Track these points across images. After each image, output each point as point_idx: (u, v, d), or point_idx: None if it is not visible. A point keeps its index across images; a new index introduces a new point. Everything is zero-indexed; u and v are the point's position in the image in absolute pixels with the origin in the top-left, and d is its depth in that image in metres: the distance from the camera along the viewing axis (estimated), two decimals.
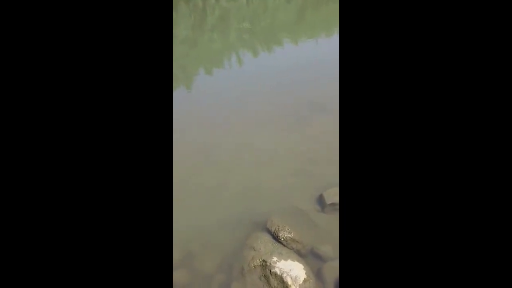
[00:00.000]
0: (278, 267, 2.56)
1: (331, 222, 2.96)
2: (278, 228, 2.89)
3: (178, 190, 3.69)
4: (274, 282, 2.52)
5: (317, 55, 7.32)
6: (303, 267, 2.56)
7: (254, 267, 2.65)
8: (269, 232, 2.95)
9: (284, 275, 2.50)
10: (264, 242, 2.84)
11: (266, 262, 2.63)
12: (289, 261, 2.61)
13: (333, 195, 3.13)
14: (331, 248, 2.76)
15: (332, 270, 2.56)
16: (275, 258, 2.64)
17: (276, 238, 2.88)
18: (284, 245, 2.83)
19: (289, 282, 2.45)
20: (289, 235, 2.85)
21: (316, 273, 2.61)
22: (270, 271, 2.57)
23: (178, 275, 2.79)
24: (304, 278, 2.47)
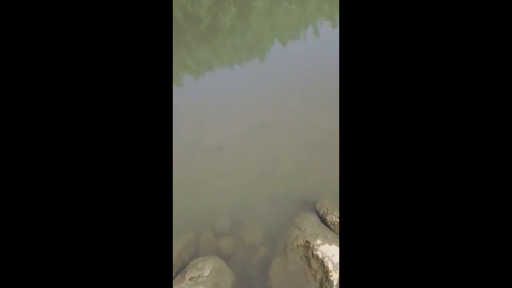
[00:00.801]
0: (321, 251, 2.47)
1: None
2: (327, 211, 2.76)
3: (233, 163, 3.80)
4: (315, 264, 2.44)
5: None
6: None
7: (297, 246, 2.61)
8: (318, 214, 2.84)
9: (326, 259, 2.40)
10: (311, 223, 2.75)
11: (309, 243, 2.55)
12: (334, 246, 2.49)
13: None
14: None
15: None
16: (319, 241, 2.55)
17: (323, 220, 2.76)
18: (331, 229, 2.70)
19: (330, 267, 2.35)
20: (337, 220, 2.70)
21: None
22: (312, 253, 2.49)
23: (224, 242, 2.92)
24: None
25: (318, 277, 2.39)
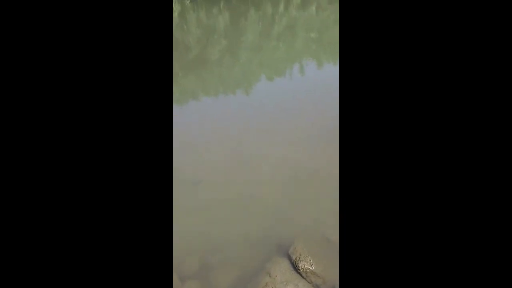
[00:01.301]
0: None
1: None
2: (299, 258, 2.65)
3: (210, 197, 3.67)
4: None
5: None
6: None
7: None
8: (290, 259, 2.72)
9: None
10: (282, 269, 2.62)
11: None
12: None
13: None
14: None
15: None
16: None
17: (295, 267, 2.63)
18: (303, 277, 2.57)
19: None
20: (310, 267, 2.58)
21: None
22: None
23: (191, 286, 2.73)
24: None
25: None
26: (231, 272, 2.80)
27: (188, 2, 14.98)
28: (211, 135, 5.04)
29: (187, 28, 12.55)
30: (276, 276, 2.56)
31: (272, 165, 4.10)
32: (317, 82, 6.92)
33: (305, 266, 2.60)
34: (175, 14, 13.72)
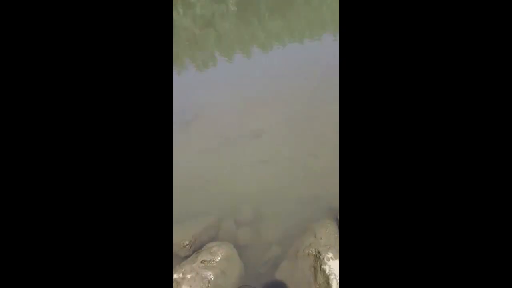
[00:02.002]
0: (329, 266, 2.36)
1: None
2: None
3: (270, 152, 3.75)
4: (320, 278, 2.35)
5: None
6: None
7: (308, 254, 2.53)
8: (337, 223, 2.68)
9: (332, 277, 2.29)
10: (328, 232, 2.62)
11: (320, 255, 2.45)
12: None
13: None
14: None
15: None
16: (330, 254, 2.42)
17: None
18: None
19: (334, 286, 2.24)
20: None
21: None
22: (321, 266, 2.39)
23: (242, 232, 2.99)
24: None
25: None
26: (282, 226, 2.94)
27: None
28: (274, 88, 4.92)
29: None
30: (321, 238, 2.58)
31: (336, 124, 3.86)
32: None
33: None
34: None
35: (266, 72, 6.30)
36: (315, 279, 2.38)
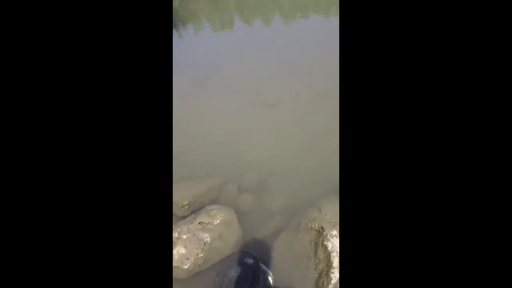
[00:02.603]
0: (332, 243, 2.23)
1: None
2: None
3: (284, 121, 3.57)
4: (321, 254, 2.24)
5: None
6: None
7: (311, 228, 2.40)
8: None
9: (333, 254, 2.16)
10: (334, 210, 2.48)
11: (323, 230, 2.32)
12: None
13: None
14: None
15: None
16: (334, 232, 2.29)
17: None
18: None
19: (334, 264, 2.12)
20: None
21: None
22: (323, 242, 2.27)
23: (244, 198, 2.88)
24: None
25: (320, 268, 2.19)
26: (285, 197, 2.81)
27: None
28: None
29: None
30: (326, 215, 2.45)
31: None
32: None
33: None
34: None
35: (286, 42, 5.99)
36: (315, 254, 2.26)
